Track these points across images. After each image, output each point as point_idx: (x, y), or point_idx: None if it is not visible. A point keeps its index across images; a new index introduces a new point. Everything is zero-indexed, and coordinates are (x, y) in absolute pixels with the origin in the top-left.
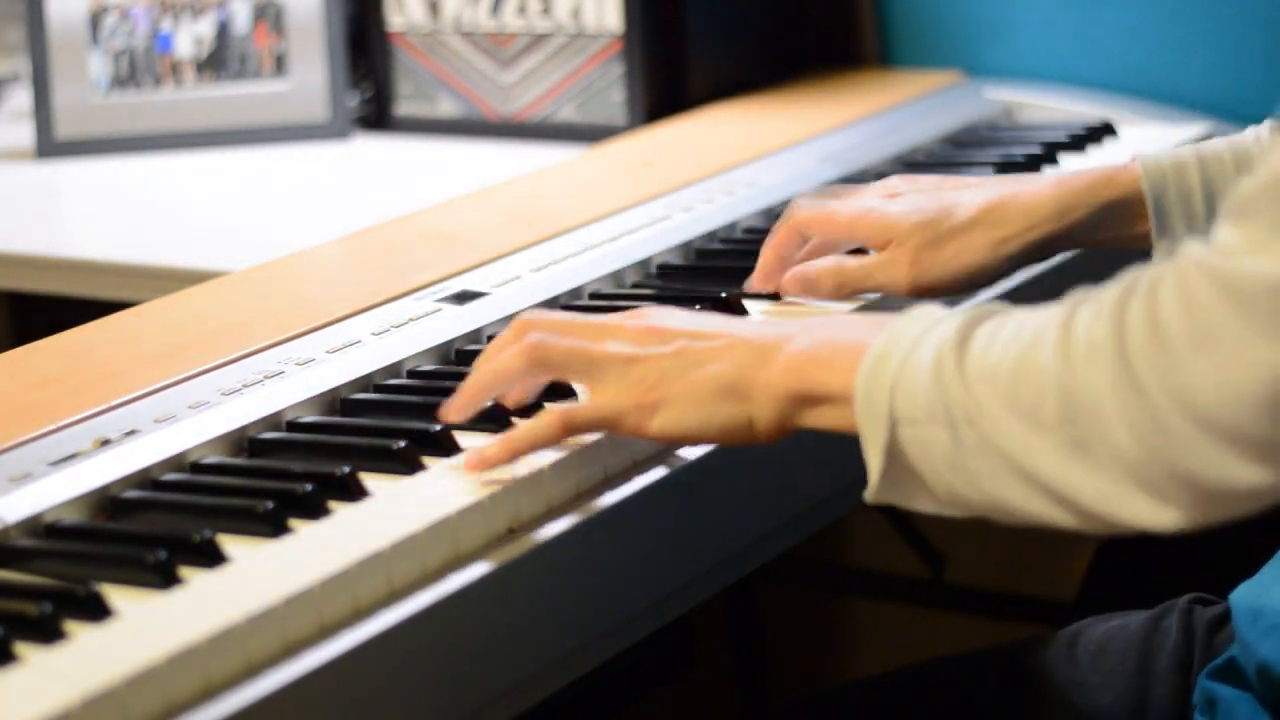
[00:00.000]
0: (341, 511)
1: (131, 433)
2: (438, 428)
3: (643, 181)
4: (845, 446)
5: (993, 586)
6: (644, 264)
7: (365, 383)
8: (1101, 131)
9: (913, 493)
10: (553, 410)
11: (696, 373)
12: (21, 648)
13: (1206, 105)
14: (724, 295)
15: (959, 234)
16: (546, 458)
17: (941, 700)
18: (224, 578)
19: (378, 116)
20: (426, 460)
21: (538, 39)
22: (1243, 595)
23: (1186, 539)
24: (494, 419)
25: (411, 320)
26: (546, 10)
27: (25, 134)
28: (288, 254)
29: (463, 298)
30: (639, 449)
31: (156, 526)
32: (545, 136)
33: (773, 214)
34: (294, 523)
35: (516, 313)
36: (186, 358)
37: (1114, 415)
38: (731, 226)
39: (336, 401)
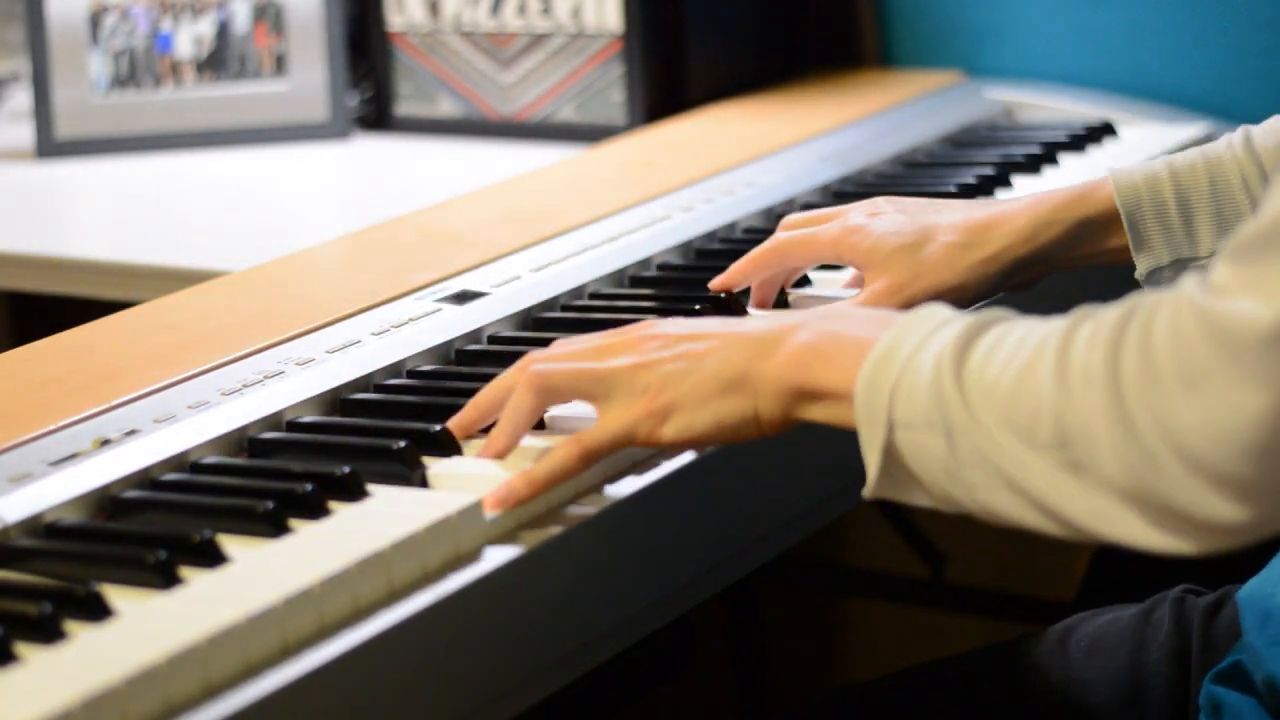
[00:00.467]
0: (341, 511)
1: (131, 433)
2: (438, 428)
3: (643, 181)
4: (844, 448)
5: (993, 586)
6: (644, 264)
7: (365, 383)
8: (1101, 131)
9: (909, 491)
10: (569, 441)
11: (700, 372)
12: (21, 648)
13: (1206, 105)
14: (724, 295)
15: (938, 259)
16: None
17: (935, 702)
18: (224, 578)
19: (378, 116)
20: (426, 460)
21: (538, 39)
22: (1251, 593)
23: None
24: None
25: (411, 320)
26: (546, 10)
27: (25, 134)
28: (288, 254)
29: (463, 298)
30: (639, 449)
31: (156, 526)
32: (545, 136)
33: (773, 214)
34: (294, 523)
35: (516, 313)
36: (186, 358)
37: (1105, 444)
38: (731, 226)
39: (336, 401)
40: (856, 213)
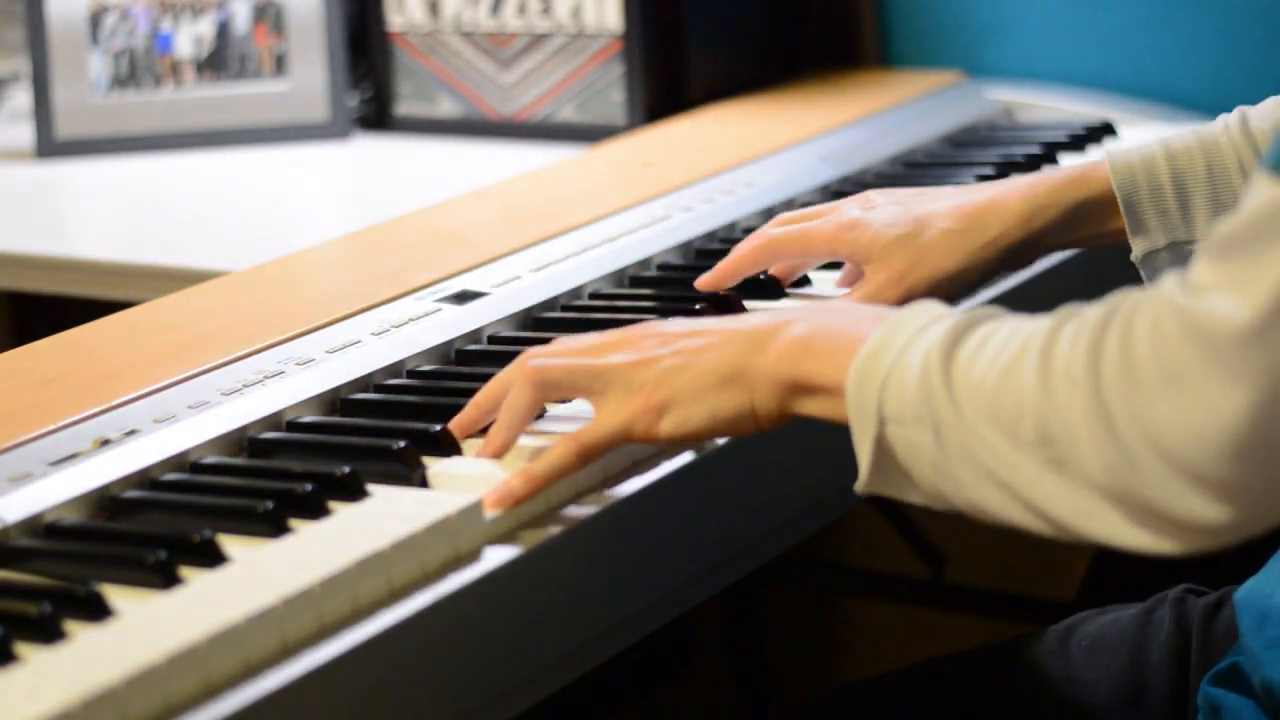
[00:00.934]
0: (341, 511)
1: (131, 433)
2: (438, 428)
3: (643, 181)
4: (844, 447)
5: (993, 586)
6: (644, 264)
7: (365, 383)
8: (1101, 131)
9: (901, 486)
10: (566, 439)
11: (696, 367)
12: (21, 648)
13: (1206, 105)
14: (724, 295)
15: (936, 246)
16: None
17: (935, 701)
18: (224, 578)
19: (378, 116)
20: (426, 460)
21: (538, 39)
22: (1248, 595)
23: None
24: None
25: (411, 320)
26: (546, 10)
27: (25, 134)
28: (288, 254)
29: (463, 298)
30: (639, 448)
31: (156, 526)
32: (545, 136)
33: (773, 214)
34: (294, 523)
35: (516, 313)
36: (186, 358)
37: (1086, 444)
38: (731, 226)
39: (336, 401)
40: (850, 207)
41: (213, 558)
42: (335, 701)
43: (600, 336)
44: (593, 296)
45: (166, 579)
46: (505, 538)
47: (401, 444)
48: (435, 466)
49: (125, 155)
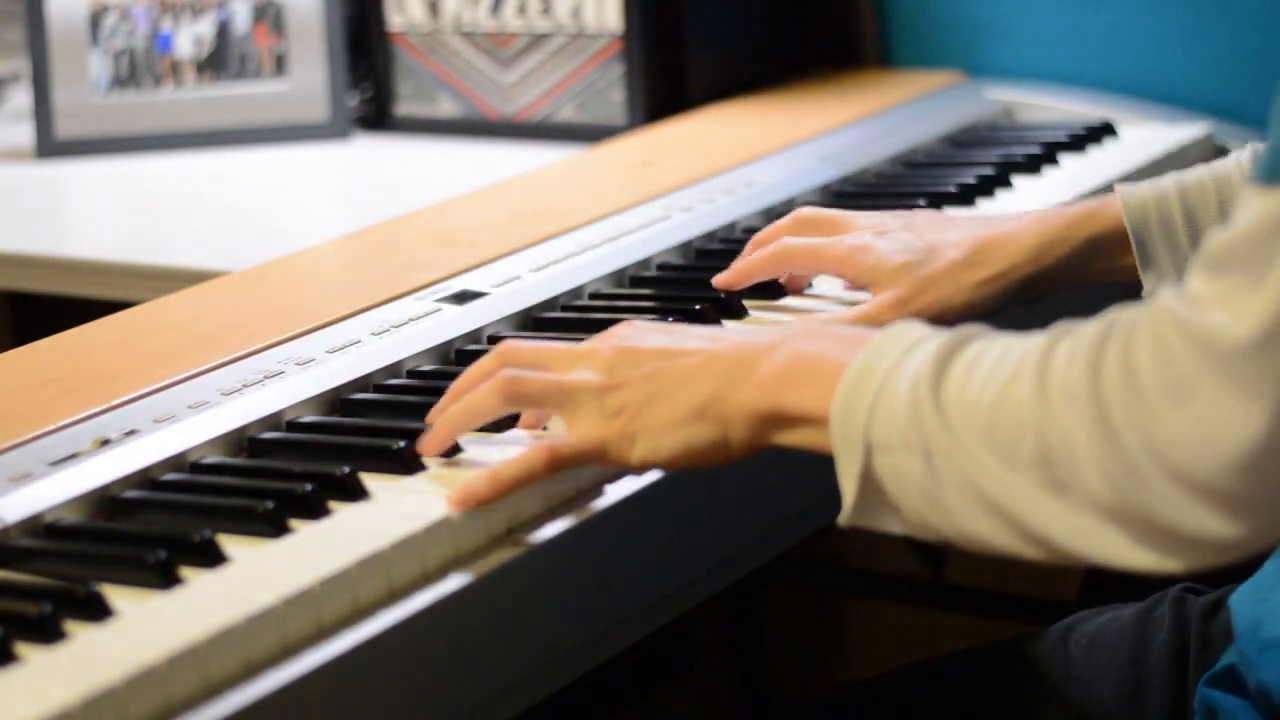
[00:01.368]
0: (341, 511)
1: (131, 433)
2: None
3: (643, 181)
4: None
5: (992, 586)
6: (644, 264)
7: (365, 383)
8: (1101, 131)
9: (885, 517)
10: (540, 446)
11: (670, 398)
12: (21, 648)
13: (1206, 105)
14: (723, 295)
15: (944, 276)
16: None
17: (935, 700)
18: (224, 578)
19: (378, 116)
20: (426, 461)
21: (538, 39)
22: (1243, 599)
23: None
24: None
25: (411, 320)
26: (546, 10)
27: (25, 134)
28: (288, 254)
29: (463, 298)
30: None
31: (156, 526)
32: (545, 136)
33: (773, 214)
34: (294, 523)
35: (516, 313)
36: (186, 358)
37: (1088, 461)
38: (731, 226)
39: (336, 401)
40: (863, 231)
41: (213, 558)
42: (335, 701)
43: (574, 347)
44: (593, 296)
45: (166, 579)
46: (505, 538)
47: (401, 444)
48: (435, 466)
49: (125, 155)
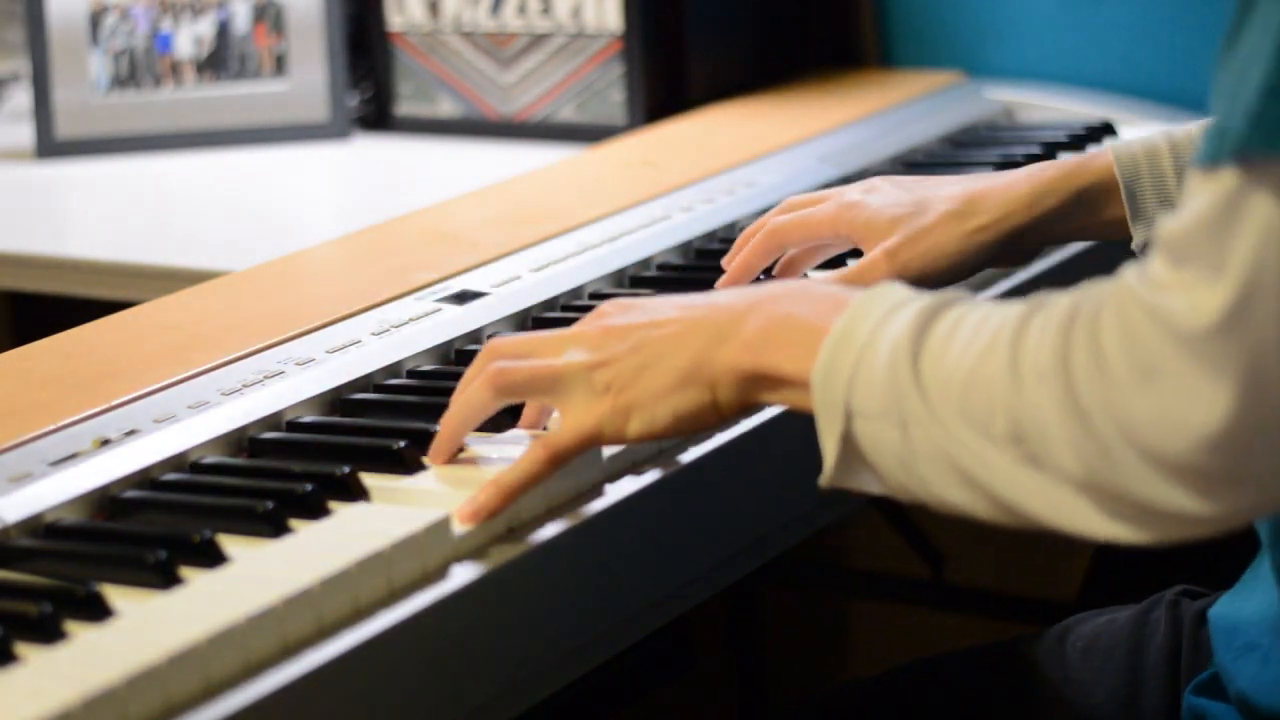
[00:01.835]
0: (341, 511)
1: (131, 433)
2: (438, 428)
3: (643, 181)
4: None
5: (992, 587)
6: (644, 264)
7: (365, 383)
8: (1101, 131)
9: (865, 480)
10: (537, 445)
11: (657, 367)
12: (21, 648)
13: (1206, 105)
14: None
15: (935, 227)
16: None
17: (932, 700)
18: (224, 578)
19: (378, 116)
20: (426, 461)
21: (538, 39)
22: (1221, 610)
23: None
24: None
25: (411, 320)
26: (546, 10)
27: (25, 134)
28: (288, 254)
29: (463, 298)
30: (638, 449)
31: (156, 526)
32: (545, 136)
33: None
34: (294, 523)
35: (516, 313)
36: (186, 358)
37: (1060, 439)
38: (731, 226)
39: (336, 401)
40: (853, 190)
41: (213, 558)
42: (335, 701)
43: (560, 332)
44: (593, 296)
45: (166, 579)
46: (505, 538)
47: (401, 444)
48: (436, 466)
49: (125, 155)
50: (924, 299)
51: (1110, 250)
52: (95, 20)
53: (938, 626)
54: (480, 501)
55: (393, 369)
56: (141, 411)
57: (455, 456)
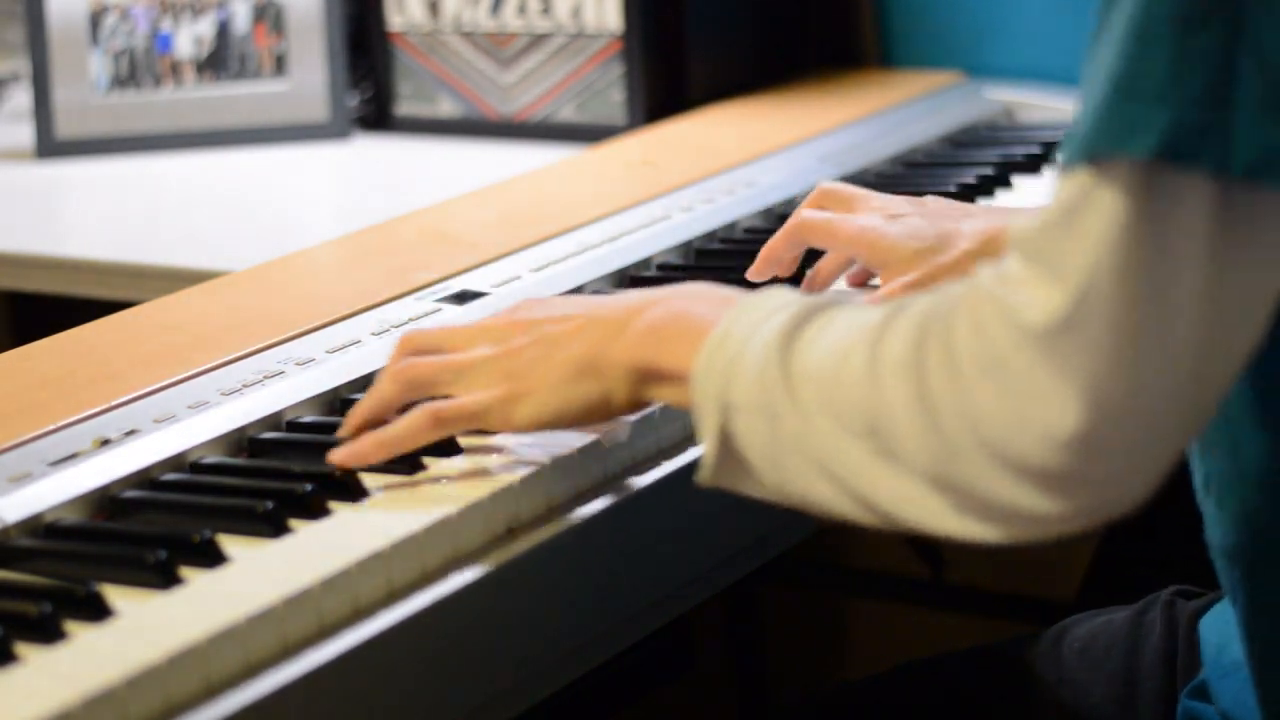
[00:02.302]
0: (341, 511)
1: (131, 433)
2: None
3: (643, 181)
4: None
5: (992, 587)
6: (644, 264)
7: (365, 383)
8: None
9: (743, 479)
10: (423, 408)
11: (553, 358)
12: (21, 648)
13: None
14: None
15: (955, 266)
16: (546, 457)
17: (930, 701)
18: (224, 578)
19: (378, 116)
20: (426, 460)
21: (538, 39)
22: (1211, 623)
23: (1184, 537)
24: None
25: (411, 320)
26: (546, 10)
27: (25, 134)
28: (288, 254)
29: (463, 298)
30: (638, 449)
31: (156, 526)
32: (545, 136)
33: (773, 214)
34: (294, 523)
35: None
36: (186, 358)
37: (910, 434)
38: (731, 226)
39: (336, 401)
40: (877, 213)
41: (213, 558)
42: (335, 701)
43: (470, 325)
44: None
45: (166, 579)
46: (505, 537)
47: None
48: (435, 467)
49: (125, 155)
50: (804, 300)
51: None
52: (95, 20)
53: (938, 626)
54: (360, 448)
55: None
56: (141, 411)
57: (448, 452)
